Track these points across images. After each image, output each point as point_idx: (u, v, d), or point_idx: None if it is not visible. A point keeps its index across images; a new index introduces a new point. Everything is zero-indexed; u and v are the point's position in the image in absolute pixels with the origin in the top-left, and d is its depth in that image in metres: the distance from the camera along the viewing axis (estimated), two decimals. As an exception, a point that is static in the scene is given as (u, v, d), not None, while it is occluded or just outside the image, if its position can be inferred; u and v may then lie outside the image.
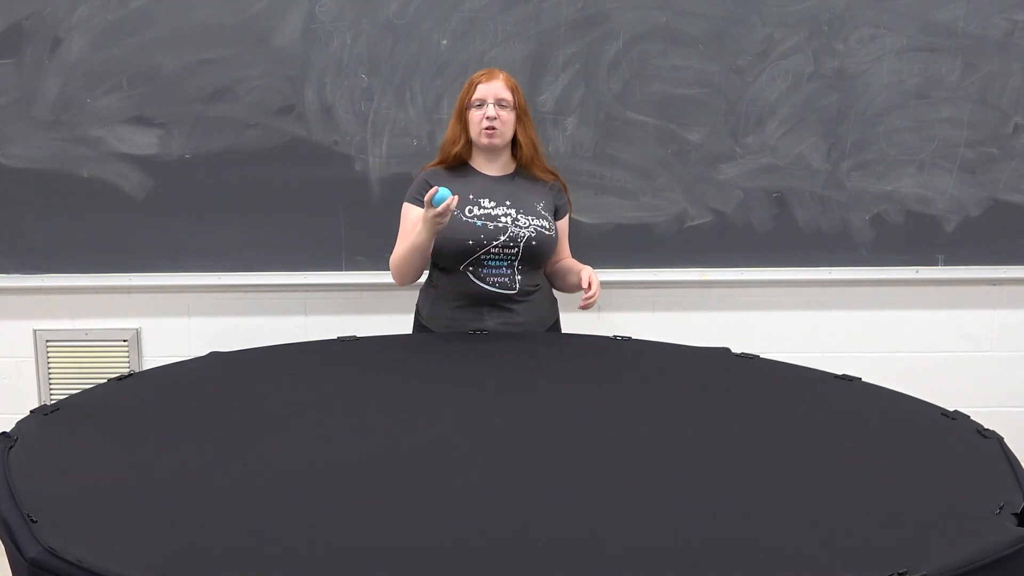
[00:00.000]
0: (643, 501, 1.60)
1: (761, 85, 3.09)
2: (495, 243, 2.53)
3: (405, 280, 2.63)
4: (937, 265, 3.24)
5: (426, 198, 2.37)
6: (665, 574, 1.37)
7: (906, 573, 1.31)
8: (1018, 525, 1.47)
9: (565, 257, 2.72)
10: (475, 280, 2.55)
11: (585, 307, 2.48)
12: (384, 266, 3.08)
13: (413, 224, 2.57)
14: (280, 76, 3.03)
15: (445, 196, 2.35)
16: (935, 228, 3.20)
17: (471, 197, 2.56)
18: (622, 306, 3.25)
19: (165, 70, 3.01)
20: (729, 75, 3.08)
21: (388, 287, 3.10)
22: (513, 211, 2.56)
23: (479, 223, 2.53)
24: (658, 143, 3.12)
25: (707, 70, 3.08)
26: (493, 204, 2.56)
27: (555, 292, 2.76)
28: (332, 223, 3.13)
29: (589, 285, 2.48)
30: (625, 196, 3.15)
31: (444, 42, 3.02)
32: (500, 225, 2.54)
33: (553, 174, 2.68)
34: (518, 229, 2.55)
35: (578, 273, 2.57)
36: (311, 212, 3.12)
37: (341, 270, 3.17)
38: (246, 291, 3.20)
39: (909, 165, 3.16)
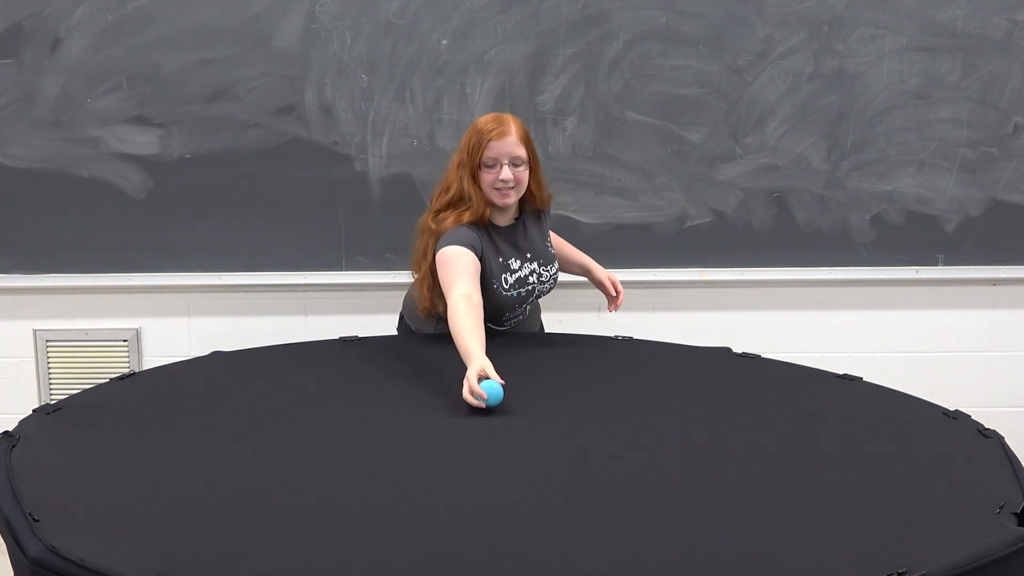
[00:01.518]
0: (644, 499, 1.60)
1: (761, 85, 3.09)
2: (526, 305, 2.56)
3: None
4: (937, 265, 3.24)
5: (474, 384, 2.00)
6: (665, 572, 1.37)
7: (906, 573, 1.31)
8: (1018, 525, 1.47)
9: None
10: (494, 326, 2.55)
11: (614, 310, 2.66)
12: (385, 266, 3.10)
13: (476, 266, 2.36)
14: (280, 76, 3.03)
15: (499, 397, 2.02)
16: (935, 228, 3.20)
17: (500, 261, 2.47)
18: (622, 306, 3.24)
19: (165, 70, 3.01)
20: (729, 75, 3.08)
21: (388, 287, 3.10)
22: (535, 265, 2.53)
23: (514, 294, 2.49)
24: (658, 143, 3.12)
25: (707, 70, 3.08)
26: (519, 263, 2.50)
27: (553, 292, 2.76)
28: (332, 223, 3.13)
29: (617, 293, 2.65)
30: (625, 196, 3.15)
31: (444, 42, 3.02)
32: (530, 288, 2.53)
33: (547, 200, 2.61)
34: (543, 286, 2.56)
35: (579, 264, 2.76)
36: (311, 212, 3.12)
37: (341, 270, 3.17)
38: (246, 291, 3.20)
39: (909, 165, 3.16)
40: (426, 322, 2.60)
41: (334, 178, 3.09)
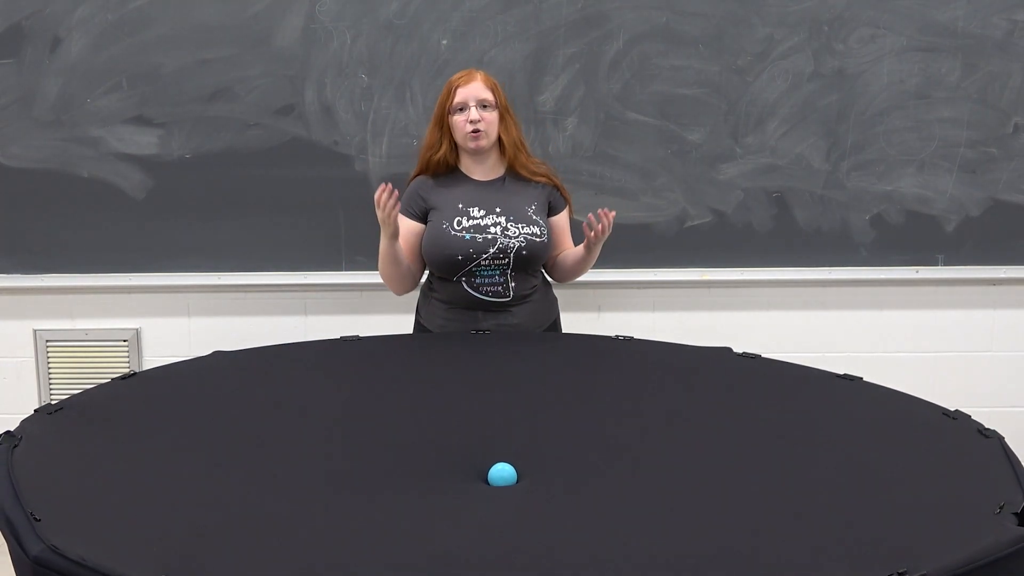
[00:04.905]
0: (644, 499, 1.60)
1: (761, 85, 3.09)
2: (484, 255, 2.52)
3: (396, 289, 2.64)
4: (937, 265, 3.24)
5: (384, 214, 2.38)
6: (665, 572, 1.37)
7: (906, 573, 1.31)
8: (1018, 525, 1.47)
9: (566, 249, 2.67)
10: (469, 289, 2.54)
11: (593, 233, 2.46)
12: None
13: (403, 236, 2.56)
14: (280, 76, 3.03)
15: (507, 473, 1.70)
16: (935, 228, 3.21)
17: (460, 207, 2.54)
18: (622, 306, 3.25)
19: (165, 70, 3.01)
20: (729, 75, 3.08)
21: (387, 287, 3.10)
22: (503, 219, 2.53)
23: (467, 236, 2.51)
24: (658, 143, 3.12)
25: (707, 70, 3.08)
26: (483, 213, 2.54)
27: (556, 292, 2.75)
28: (332, 223, 3.13)
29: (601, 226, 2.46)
30: (625, 196, 3.15)
31: (444, 42, 3.03)
32: (489, 237, 2.51)
33: (544, 176, 2.63)
34: (508, 239, 2.52)
35: (580, 253, 2.58)
36: (311, 212, 3.12)
37: (341, 270, 3.17)
38: (246, 291, 3.20)
39: (909, 165, 3.16)
40: (432, 316, 2.64)
41: (334, 178, 3.09)
